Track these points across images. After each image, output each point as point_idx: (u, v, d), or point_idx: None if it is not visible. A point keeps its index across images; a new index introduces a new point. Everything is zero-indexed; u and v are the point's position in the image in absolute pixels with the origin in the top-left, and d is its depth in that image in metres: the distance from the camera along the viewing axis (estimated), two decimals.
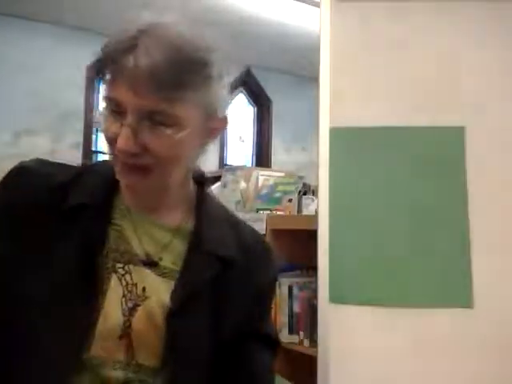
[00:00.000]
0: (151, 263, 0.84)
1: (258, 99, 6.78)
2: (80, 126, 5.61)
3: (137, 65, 0.71)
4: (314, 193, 2.30)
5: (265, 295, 0.94)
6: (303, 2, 4.74)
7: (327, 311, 1.04)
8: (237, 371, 0.88)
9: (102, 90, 0.79)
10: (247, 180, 2.62)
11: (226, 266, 0.86)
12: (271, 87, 6.67)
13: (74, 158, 5.21)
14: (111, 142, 0.77)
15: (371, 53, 1.11)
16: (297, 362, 1.95)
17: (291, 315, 1.96)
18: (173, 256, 0.85)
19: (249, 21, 5.21)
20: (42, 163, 0.89)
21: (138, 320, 0.81)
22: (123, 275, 0.82)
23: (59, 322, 0.77)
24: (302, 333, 1.92)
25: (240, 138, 6.78)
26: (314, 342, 1.81)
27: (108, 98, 0.76)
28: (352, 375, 1.03)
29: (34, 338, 0.76)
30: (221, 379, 0.86)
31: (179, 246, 0.86)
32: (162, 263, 0.85)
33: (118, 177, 0.80)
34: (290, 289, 1.97)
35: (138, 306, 0.82)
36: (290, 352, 1.96)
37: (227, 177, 2.75)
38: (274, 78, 6.58)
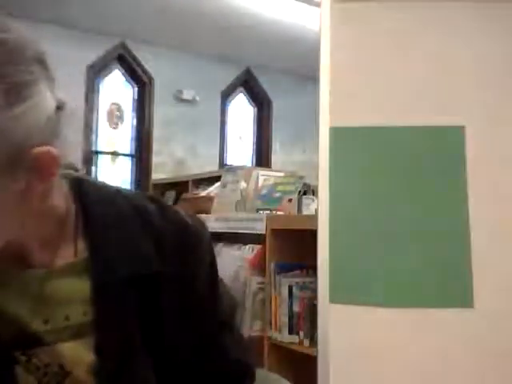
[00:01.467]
0: (54, 330, 0.64)
1: (258, 99, 6.79)
2: (80, 126, 5.61)
3: None
4: (314, 193, 2.30)
5: (203, 284, 0.73)
6: (303, 1, 4.74)
7: (327, 311, 1.04)
8: (210, 369, 0.74)
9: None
10: (247, 180, 2.62)
11: (149, 283, 0.67)
12: (271, 87, 6.67)
13: (74, 158, 5.20)
14: None
15: (371, 53, 1.11)
16: (297, 362, 1.95)
17: (291, 315, 1.96)
18: (79, 305, 0.65)
19: (249, 21, 5.21)
20: None
21: None
22: (28, 361, 0.64)
23: None
24: (301, 333, 1.92)
25: (240, 138, 6.78)
26: (313, 342, 1.81)
27: None
28: (352, 375, 1.03)
29: None
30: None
31: (80, 288, 0.65)
32: (70, 323, 0.65)
33: None
34: (290, 289, 1.97)
35: (62, 383, 0.65)
36: (290, 352, 1.96)
37: (227, 177, 2.75)
38: (274, 78, 6.58)
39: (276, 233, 2.08)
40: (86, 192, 0.67)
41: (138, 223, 0.69)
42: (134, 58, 5.74)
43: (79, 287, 0.65)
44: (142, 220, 0.69)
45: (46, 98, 0.54)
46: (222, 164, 6.22)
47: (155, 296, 0.67)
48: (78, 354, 0.65)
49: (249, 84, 6.68)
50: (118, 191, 0.72)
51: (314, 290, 1.41)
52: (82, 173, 0.69)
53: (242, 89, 6.73)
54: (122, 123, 6.00)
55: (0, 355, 0.62)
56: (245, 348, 0.81)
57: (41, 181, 0.56)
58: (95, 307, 0.65)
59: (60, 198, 0.64)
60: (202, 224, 0.76)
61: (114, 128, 6.00)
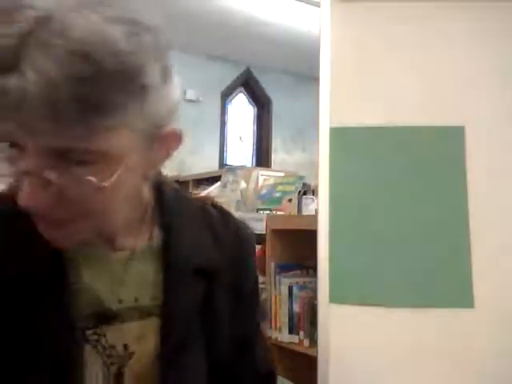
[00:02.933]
0: (125, 309, 0.68)
1: (258, 99, 6.78)
2: None
3: (23, 87, 0.46)
4: (314, 193, 2.30)
5: (250, 288, 0.81)
6: (303, 1, 4.74)
7: (327, 311, 1.04)
8: (243, 370, 0.80)
9: None
10: (247, 180, 2.62)
11: (210, 278, 0.72)
12: (271, 87, 6.67)
13: None
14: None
15: (371, 53, 1.11)
16: (297, 362, 1.95)
17: (291, 315, 1.96)
18: (150, 289, 0.70)
19: (249, 21, 5.21)
20: None
21: (128, 381, 0.68)
22: (97, 341, 0.67)
23: None
24: (302, 333, 1.92)
25: (240, 138, 6.78)
26: (313, 342, 1.81)
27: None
28: (352, 375, 1.03)
29: None
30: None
31: (153, 272, 0.70)
32: (139, 304, 0.69)
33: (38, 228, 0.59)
34: (290, 289, 1.97)
35: (123, 367, 0.69)
36: (290, 352, 1.96)
37: (227, 177, 2.75)
38: (274, 78, 6.58)
39: (276, 233, 2.08)
40: (164, 190, 0.74)
41: (204, 225, 0.76)
42: None
43: (151, 271, 0.70)
44: (207, 223, 0.77)
45: (176, 85, 0.61)
46: (221, 164, 6.22)
47: (213, 292, 0.73)
48: (143, 334, 0.69)
49: (249, 84, 6.68)
50: (188, 200, 0.80)
51: (314, 290, 1.41)
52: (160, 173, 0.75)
53: (242, 89, 6.73)
54: None
55: (74, 333, 0.64)
56: (268, 350, 0.89)
57: (163, 156, 0.63)
58: (164, 292, 0.69)
59: (146, 190, 0.71)
60: (254, 237, 0.85)
61: None
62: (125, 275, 0.69)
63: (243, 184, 2.62)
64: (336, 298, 1.04)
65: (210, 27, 5.27)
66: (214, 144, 6.26)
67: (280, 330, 2.01)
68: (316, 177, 1.10)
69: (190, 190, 4.24)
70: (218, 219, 0.79)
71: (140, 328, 0.69)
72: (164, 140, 0.61)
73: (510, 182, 1.04)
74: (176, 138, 0.64)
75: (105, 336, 0.67)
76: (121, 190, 0.59)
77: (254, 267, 0.85)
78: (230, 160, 6.48)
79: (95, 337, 0.67)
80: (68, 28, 0.47)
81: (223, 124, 6.51)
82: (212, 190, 3.30)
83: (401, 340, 1.03)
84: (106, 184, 0.54)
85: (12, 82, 0.47)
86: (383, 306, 1.03)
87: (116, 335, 0.68)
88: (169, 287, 0.70)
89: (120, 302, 0.68)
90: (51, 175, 0.52)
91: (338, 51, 1.11)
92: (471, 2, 1.09)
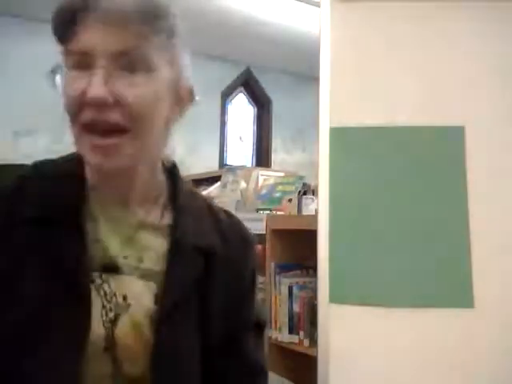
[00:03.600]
0: (129, 264, 0.78)
1: (258, 99, 6.78)
2: None
3: (108, 6, 0.69)
4: (314, 193, 2.30)
5: (247, 284, 0.89)
6: (303, 1, 4.74)
7: (327, 311, 1.04)
8: (230, 362, 0.85)
9: (63, 47, 0.73)
10: (247, 180, 2.63)
11: (209, 257, 0.81)
12: (271, 87, 6.67)
13: None
14: (76, 108, 0.70)
15: (371, 53, 1.11)
16: (297, 362, 1.95)
17: (291, 315, 1.96)
18: (154, 255, 0.79)
19: (249, 21, 5.21)
20: None
21: (122, 330, 0.75)
22: (101, 285, 0.75)
23: (52, 346, 0.70)
24: (302, 333, 1.92)
25: (240, 138, 6.78)
26: (313, 341, 1.81)
27: (72, 51, 0.71)
28: (352, 375, 1.03)
29: (29, 356, 0.70)
30: (214, 374, 0.83)
31: (159, 244, 0.80)
32: (142, 265, 0.78)
33: (86, 159, 0.73)
34: (290, 289, 1.97)
35: (120, 315, 0.76)
36: (290, 352, 1.97)
37: (227, 177, 2.76)
38: (274, 77, 6.58)
39: (276, 233, 2.08)
40: (177, 178, 0.86)
41: (210, 216, 0.87)
42: None
43: (159, 243, 0.80)
44: (214, 217, 0.88)
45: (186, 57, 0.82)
46: (222, 164, 6.22)
47: (211, 274, 0.81)
48: (141, 292, 0.77)
49: (249, 84, 6.68)
50: (198, 194, 0.95)
51: (314, 290, 1.41)
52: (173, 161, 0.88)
53: (242, 89, 6.73)
54: None
55: (86, 274, 0.74)
56: (264, 354, 0.95)
57: (180, 107, 0.80)
58: (167, 261, 0.79)
59: (161, 174, 0.84)
60: (255, 240, 0.94)
61: None
62: (134, 237, 0.79)
63: (243, 184, 2.62)
64: (336, 298, 1.04)
65: (209, 27, 5.27)
66: (214, 144, 6.26)
67: (280, 330, 2.01)
68: (316, 177, 1.10)
69: None
70: (223, 217, 0.89)
71: (140, 286, 0.78)
72: (183, 89, 0.79)
73: (510, 182, 1.04)
74: (190, 94, 0.81)
75: (108, 283, 0.76)
76: (157, 104, 0.73)
77: (254, 268, 0.92)
78: (230, 160, 6.48)
79: (99, 281, 0.75)
80: None
81: (223, 124, 6.51)
82: (212, 190, 3.30)
83: (401, 340, 1.03)
84: (149, 86, 0.71)
85: (102, 3, 0.69)
86: (383, 306, 1.04)
87: (117, 285, 0.76)
88: (171, 259, 0.79)
89: (125, 257, 0.78)
90: (114, 76, 0.69)
91: (338, 51, 1.11)
92: (471, 2, 1.09)
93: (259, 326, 0.92)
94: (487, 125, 1.06)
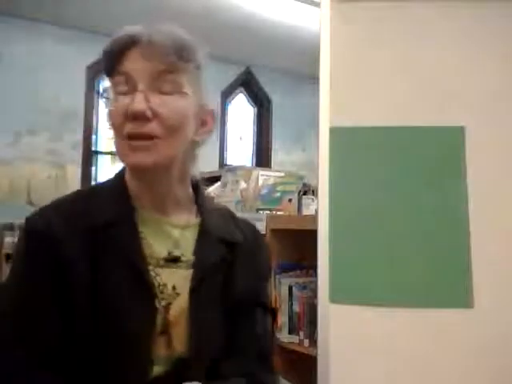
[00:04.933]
0: (175, 259, 0.95)
1: (258, 99, 6.79)
2: (80, 126, 5.61)
3: (150, 41, 0.88)
4: (314, 193, 2.30)
5: (263, 271, 1.12)
6: (303, 1, 4.75)
7: (327, 311, 1.04)
8: (242, 332, 1.01)
9: (111, 78, 0.92)
10: (247, 180, 2.63)
11: (232, 248, 1.01)
12: (271, 87, 6.67)
13: (74, 157, 5.22)
14: (120, 121, 0.88)
15: (371, 53, 1.11)
16: (297, 361, 1.95)
17: (291, 315, 1.96)
18: (190, 249, 0.98)
19: (249, 21, 5.22)
20: (57, 210, 0.94)
21: (174, 316, 0.91)
22: (154, 277, 0.92)
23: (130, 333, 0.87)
24: (302, 333, 1.93)
25: (240, 138, 6.78)
26: (313, 342, 1.81)
27: (118, 73, 0.89)
28: (352, 375, 1.03)
29: (112, 348, 0.86)
30: (228, 339, 0.98)
31: (194, 239, 0.99)
32: (185, 258, 0.97)
33: (125, 159, 0.90)
34: (290, 289, 1.97)
35: (171, 303, 0.92)
36: (290, 352, 1.97)
37: (227, 177, 2.76)
38: (274, 77, 6.59)
39: (276, 233, 2.08)
40: (201, 190, 1.07)
41: (228, 215, 1.10)
42: None
43: (193, 239, 0.99)
44: (234, 219, 1.10)
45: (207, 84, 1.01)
46: (222, 164, 6.22)
47: (234, 260, 1.01)
48: (187, 279, 0.95)
49: (249, 84, 6.69)
50: (218, 203, 1.25)
51: (314, 290, 1.41)
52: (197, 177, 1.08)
53: (242, 89, 6.73)
54: None
55: (144, 264, 0.91)
56: (270, 345, 1.10)
57: (204, 128, 0.99)
58: (194, 248, 0.98)
59: (190, 187, 1.04)
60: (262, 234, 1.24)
61: None
62: (180, 239, 0.98)
63: (243, 184, 2.62)
64: (336, 298, 1.04)
65: (209, 27, 5.27)
66: (213, 144, 6.26)
67: (280, 330, 2.01)
68: (316, 177, 1.10)
69: None
70: (240, 219, 1.12)
71: (185, 275, 0.95)
72: (206, 112, 0.99)
73: (510, 182, 1.04)
74: (212, 118, 1.01)
75: (160, 276, 0.92)
76: (186, 120, 0.92)
77: (268, 257, 1.16)
78: (230, 160, 6.48)
79: (153, 274, 0.92)
80: (168, 26, 0.92)
81: (223, 124, 6.51)
82: (212, 190, 3.30)
83: (401, 340, 1.03)
84: (180, 103, 0.90)
85: (146, 37, 0.89)
86: (383, 306, 1.04)
87: (167, 277, 0.93)
88: (198, 246, 0.98)
89: (170, 253, 0.95)
90: (152, 95, 0.88)
91: (338, 51, 1.11)
92: (472, 2, 1.09)
93: (271, 310, 1.11)
94: (487, 125, 1.06)
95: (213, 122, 1.01)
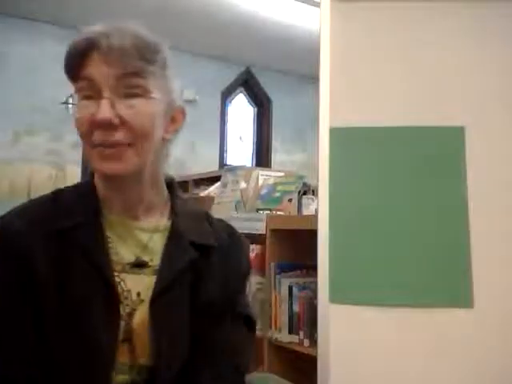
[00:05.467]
0: (141, 264, 0.91)
1: (258, 99, 6.78)
2: None
3: (110, 45, 0.84)
4: (314, 193, 2.30)
5: (238, 279, 1.03)
6: (303, 1, 4.74)
7: (327, 311, 1.04)
8: (215, 344, 0.95)
9: (74, 83, 0.89)
10: (247, 180, 2.62)
11: (204, 252, 0.95)
12: (271, 87, 6.67)
13: (74, 157, 5.22)
14: (87, 129, 0.86)
15: (371, 53, 1.11)
16: (297, 361, 1.95)
17: (291, 315, 1.96)
18: (160, 254, 0.93)
19: (249, 21, 5.21)
20: (15, 215, 0.91)
21: (137, 323, 0.87)
22: (119, 283, 0.88)
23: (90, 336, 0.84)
24: (302, 333, 1.92)
25: (240, 138, 6.78)
26: (313, 342, 1.81)
27: (81, 81, 0.86)
28: (352, 375, 1.03)
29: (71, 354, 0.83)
30: (198, 351, 0.93)
31: (161, 243, 0.94)
32: (153, 263, 0.92)
33: (95, 167, 0.87)
34: (290, 289, 1.97)
35: (135, 310, 0.88)
36: (290, 352, 1.97)
37: (227, 177, 2.76)
38: (274, 77, 6.58)
39: (276, 233, 2.08)
40: (175, 189, 1.02)
41: (204, 219, 1.02)
42: None
43: (162, 243, 0.94)
44: (208, 221, 1.03)
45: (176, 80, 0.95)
46: (222, 164, 6.22)
47: (207, 266, 0.95)
48: (151, 287, 0.89)
49: (249, 84, 6.68)
50: (196, 206, 1.13)
51: (314, 290, 1.41)
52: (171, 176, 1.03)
53: (242, 89, 6.73)
54: None
55: (110, 271, 0.87)
56: (246, 358, 1.03)
57: (174, 126, 0.95)
58: (163, 254, 0.92)
59: (164, 187, 0.99)
60: (247, 242, 1.10)
61: None
62: (149, 243, 0.93)
63: (243, 184, 2.61)
64: (336, 298, 1.04)
65: (209, 27, 5.27)
66: (213, 144, 6.26)
67: (280, 330, 2.01)
68: (316, 177, 1.10)
69: (190, 190, 4.24)
70: (216, 221, 1.05)
71: (150, 281, 0.90)
72: (175, 110, 0.94)
73: (510, 182, 1.04)
74: (182, 114, 0.97)
75: (124, 281, 0.89)
76: (154, 123, 0.87)
77: (246, 264, 1.07)
78: (230, 160, 6.48)
79: (118, 279, 0.88)
80: (131, 27, 0.89)
81: (223, 124, 6.51)
82: (212, 190, 3.30)
83: (401, 340, 1.03)
84: (147, 107, 0.86)
85: (105, 43, 0.84)
86: (383, 306, 1.04)
87: (132, 283, 0.89)
88: (167, 249, 0.93)
89: (137, 258, 0.91)
90: (118, 102, 0.84)
91: (338, 51, 1.11)
92: (472, 2, 1.09)
93: (249, 321, 1.03)
94: (487, 125, 1.06)
95: (183, 118, 0.97)
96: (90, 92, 0.85)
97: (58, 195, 0.95)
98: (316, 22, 1.15)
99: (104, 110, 0.83)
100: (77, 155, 5.29)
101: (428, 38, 1.10)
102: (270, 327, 2.02)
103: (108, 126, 0.83)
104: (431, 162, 1.07)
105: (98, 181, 0.95)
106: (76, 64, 0.86)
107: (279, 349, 2.01)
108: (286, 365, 2.00)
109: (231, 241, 1.03)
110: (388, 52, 1.11)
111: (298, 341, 1.94)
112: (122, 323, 0.86)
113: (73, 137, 5.83)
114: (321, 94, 1.11)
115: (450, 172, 1.06)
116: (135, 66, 0.84)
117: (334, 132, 1.09)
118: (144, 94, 0.86)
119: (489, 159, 1.06)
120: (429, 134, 1.08)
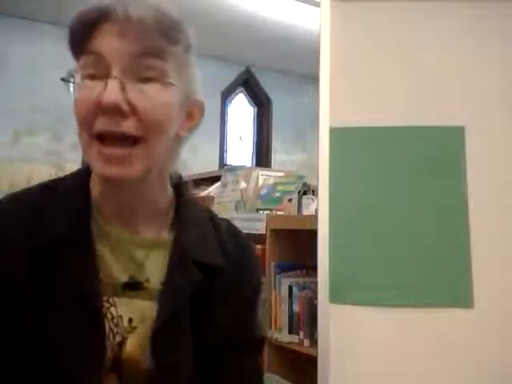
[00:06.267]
0: (135, 286, 0.77)
1: (258, 99, 6.78)
2: None
3: (128, 15, 0.69)
4: (314, 193, 2.30)
5: (251, 299, 0.89)
6: (303, 1, 4.74)
7: (327, 311, 1.04)
8: (227, 375, 0.84)
9: (79, 58, 0.73)
10: (247, 180, 2.62)
11: (210, 273, 0.80)
12: (271, 87, 6.67)
13: (74, 158, 5.22)
14: (89, 114, 0.70)
15: (371, 52, 1.11)
16: (297, 361, 1.95)
17: (291, 315, 1.96)
18: (158, 273, 0.78)
19: (249, 21, 5.21)
20: None
21: (128, 353, 0.75)
22: (108, 309, 0.75)
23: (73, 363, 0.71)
24: (301, 333, 1.92)
25: (240, 138, 6.77)
26: (314, 341, 1.81)
27: (87, 53, 0.71)
28: (352, 375, 1.03)
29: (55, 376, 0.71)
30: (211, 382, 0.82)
31: (161, 261, 0.79)
32: (149, 285, 0.78)
33: (96, 168, 0.72)
34: (290, 289, 1.97)
35: (126, 339, 0.76)
36: (290, 352, 1.96)
37: (227, 177, 2.76)
38: (274, 77, 6.58)
39: (276, 233, 2.08)
40: (182, 191, 0.87)
41: (214, 229, 0.86)
42: None
43: (162, 260, 0.79)
44: (217, 232, 0.86)
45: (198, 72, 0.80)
46: (222, 164, 6.22)
47: (213, 289, 0.80)
48: (147, 313, 0.77)
49: (249, 84, 6.68)
50: (202, 206, 0.93)
51: (314, 290, 1.41)
52: (180, 177, 0.89)
53: (242, 89, 6.73)
54: None
55: (97, 299, 0.73)
56: (259, 373, 0.92)
57: (190, 122, 0.80)
58: (166, 279, 0.77)
59: (170, 188, 0.84)
60: (254, 249, 0.98)
61: None
62: (146, 261, 0.78)
63: (243, 184, 2.61)
64: (336, 298, 1.04)
65: (209, 27, 5.26)
66: (214, 144, 6.26)
67: (280, 330, 2.01)
68: (316, 177, 1.10)
69: (190, 190, 4.24)
70: (224, 229, 0.89)
71: (145, 308, 0.77)
72: (194, 103, 0.79)
73: (510, 182, 1.04)
74: (200, 111, 0.81)
75: (115, 306, 0.75)
76: (169, 116, 0.73)
77: (257, 282, 0.93)
78: (230, 160, 6.47)
79: (108, 304, 0.75)
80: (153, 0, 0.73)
81: (223, 124, 6.50)
82: (212, 190, 3.30)
83: (401, 340, 1.03)
84: (163, 96, 0.71)
85: (121, 11, 0.70)
86: (383, 306, 1.03)
87: (124, 308, 0.76)
88: (170, 273, 0.78)
89: (132, 279, 0.77)
90: (129, 85, 0.69)
91: (338, 51, 1.11)
92: (472, 2, 1.09)
93: (256, 345, 0.92)
94: (487, 125, 1.06)
95: (200, 115, 0.81)
96: (97, 70, 0.70)
97: (41, 195, 0.78)
98: (316, 22, 1.15)
99: (112, 92, 0.67)
100: (77, 155, 5.29)
101: (428, 38, 1.10)
102: (270, 327, 2.02)
103: (115, 111, 0.68)
104: (431, 161, 1.07)
105: (94, 177, 0.80)
106: (83, 35, 0.71)
107: (279, 349, 2.01)
108: (286, 365, 2.00)
109: (242, 257, 0.88)
110: (388, 52, 1.11)
111: (298, 341, 1.93)
112: (110, 354, 0.73)
113: (73, 137, 5.82)
114: (321, 94, 1.11)
115: (450, 172, 1.06)
116: (155, 43, 0.70)
117: (333, 132, 1.09)
118: (161, 79, 0.71)
119: (489, 159, 1.05)
120: (429, 133, 1.08)
